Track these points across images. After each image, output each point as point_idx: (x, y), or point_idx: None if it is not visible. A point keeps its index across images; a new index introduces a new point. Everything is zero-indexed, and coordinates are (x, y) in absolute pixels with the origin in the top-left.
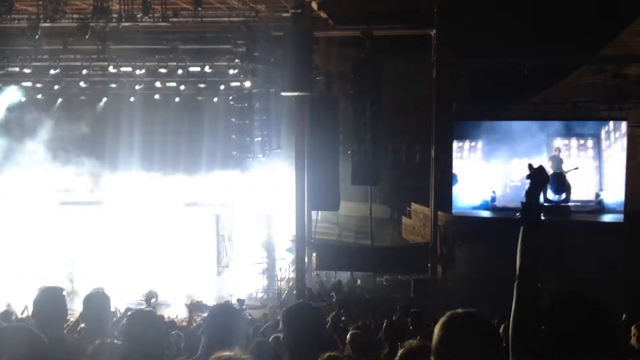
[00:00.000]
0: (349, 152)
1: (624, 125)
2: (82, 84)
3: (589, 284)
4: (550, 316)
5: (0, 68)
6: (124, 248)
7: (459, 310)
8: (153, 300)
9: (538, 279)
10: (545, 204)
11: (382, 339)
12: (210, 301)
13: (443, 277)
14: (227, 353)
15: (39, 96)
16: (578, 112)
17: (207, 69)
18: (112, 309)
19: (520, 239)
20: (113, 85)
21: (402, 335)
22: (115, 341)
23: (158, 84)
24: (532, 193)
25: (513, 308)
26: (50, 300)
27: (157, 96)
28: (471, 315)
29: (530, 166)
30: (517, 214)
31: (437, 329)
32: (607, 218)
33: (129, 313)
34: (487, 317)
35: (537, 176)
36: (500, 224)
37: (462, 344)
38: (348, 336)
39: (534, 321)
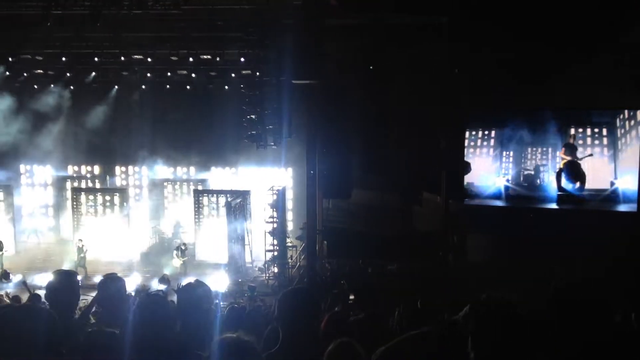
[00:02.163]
0: (360, 140)
1: (639, 113)
2: (93, 73)
3: (600, 272)
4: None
5: (13, 55)
6: (136, 234)
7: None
8: (166, 286)
9: None
10: (560, 193)
11: (395, 326)
12: (222, 289)
13: (454, 266)
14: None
15: (52, 85)
16: (593, 100)
17: (218, 57)
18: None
19: None
20: (124, 73)
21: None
22: (113, 330)
23: (169, 73)
24: None
25: None
26: (64, 283)
27: (168, 86)
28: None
29: None
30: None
31: None
32: (622, 207)
33: (138, 298)
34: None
35: None
36: (512, 212)
37: None
38: (351, 322)
39: None
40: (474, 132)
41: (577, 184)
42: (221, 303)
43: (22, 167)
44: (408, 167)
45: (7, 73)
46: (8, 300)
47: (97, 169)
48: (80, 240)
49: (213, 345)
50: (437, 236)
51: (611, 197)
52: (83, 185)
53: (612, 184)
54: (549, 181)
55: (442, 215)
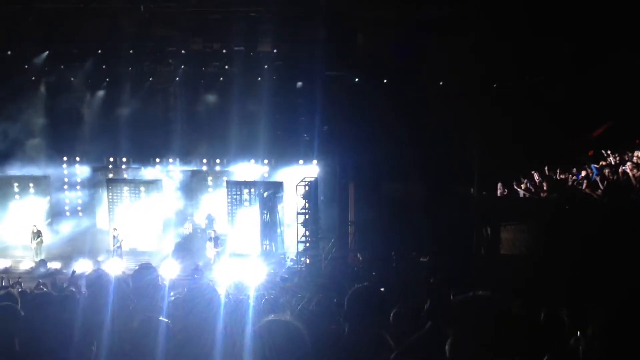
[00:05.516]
0: (392, 131)
1: None
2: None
3: None
4: None
5: (49, 49)
6: (170, 224)
7: None
8: (197, 277)
9: None
10: None
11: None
12: (253, 281)
13: (486, 259)
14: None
15: (88, 79)
16: None
17: (251, 49)
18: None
19: None
20: (159, 66)
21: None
22: (161, 318)
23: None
24: None
25: None
26: (148, 280)
27: (202, 79)
28: None
29: None
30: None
31: None
32: None
33: (186, 289)
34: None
35: None
36: (545, 205)
37: None
38: (391, 315)
39: None
40: None
41: None
42: (254, 294)
43: (59, 159)
44: (441, 158)
45: (46, 68)
46: (46, 289)
47: (132, 161)
48: (116, 229)
49: (259, 328)
50: (469, 228)
51: None
52: (119, 177)
53: None
54: None
55: (475, 207)
